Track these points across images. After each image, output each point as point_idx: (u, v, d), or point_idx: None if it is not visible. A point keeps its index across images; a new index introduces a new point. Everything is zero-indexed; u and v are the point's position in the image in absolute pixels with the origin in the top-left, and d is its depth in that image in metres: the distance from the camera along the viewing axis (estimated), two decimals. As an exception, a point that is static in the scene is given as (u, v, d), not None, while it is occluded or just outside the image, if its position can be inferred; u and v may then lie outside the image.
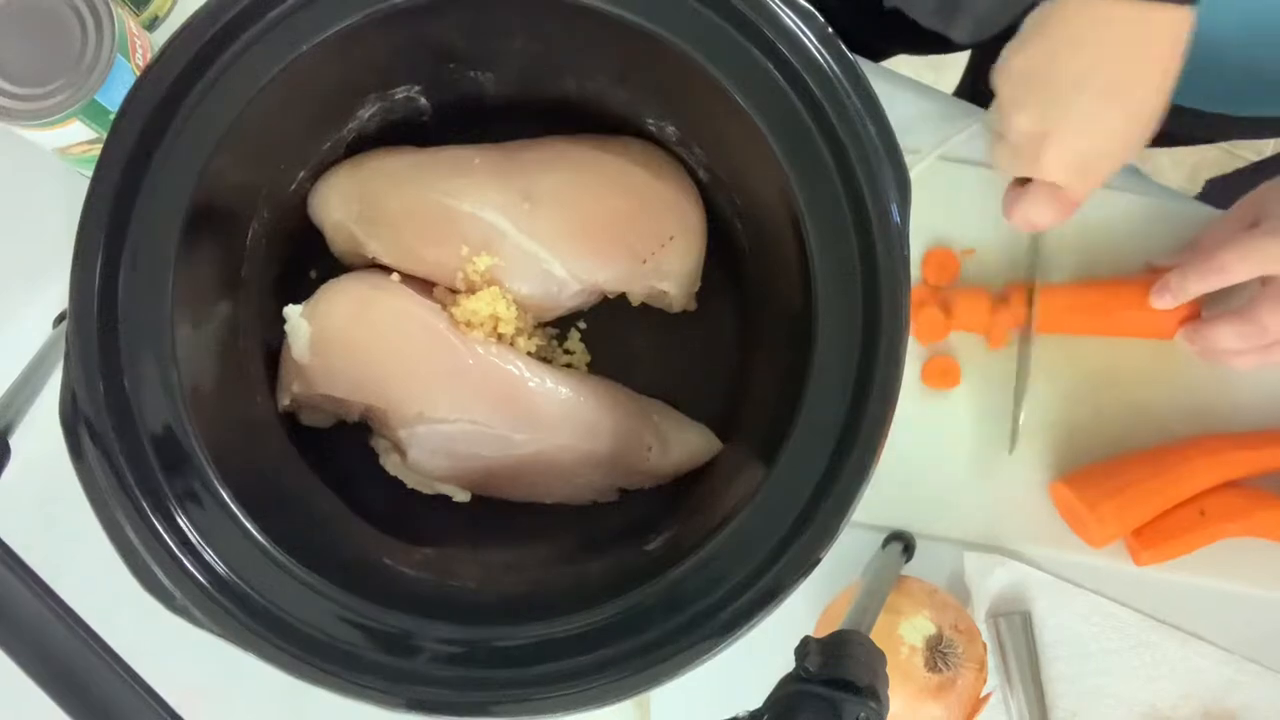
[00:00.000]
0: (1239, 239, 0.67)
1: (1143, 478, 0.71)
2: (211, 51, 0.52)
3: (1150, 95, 0.61)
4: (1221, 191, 1.05)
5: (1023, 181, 0.66)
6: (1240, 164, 1.17)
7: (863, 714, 0.44)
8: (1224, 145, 1.53)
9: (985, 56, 1.08)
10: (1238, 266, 0.67)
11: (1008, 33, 0.70)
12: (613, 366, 0.68)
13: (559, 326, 0.68)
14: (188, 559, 0.50)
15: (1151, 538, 0.71)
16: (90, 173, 0.51)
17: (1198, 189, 1.06)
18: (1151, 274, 0.72)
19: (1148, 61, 0.60)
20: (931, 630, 0.65)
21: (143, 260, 0.51)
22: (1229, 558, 0.72)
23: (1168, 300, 0.71)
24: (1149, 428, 0.74)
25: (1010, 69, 0.62)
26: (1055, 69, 0.60)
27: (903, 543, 0.72)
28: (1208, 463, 0.72)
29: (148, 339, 0.51)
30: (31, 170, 0.73)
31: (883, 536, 0.73)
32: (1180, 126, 0.75)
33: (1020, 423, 0.74)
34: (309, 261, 0.67)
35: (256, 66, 0.53)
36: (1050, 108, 0.61)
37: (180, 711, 0.40)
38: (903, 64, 0.88)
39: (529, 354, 0.65)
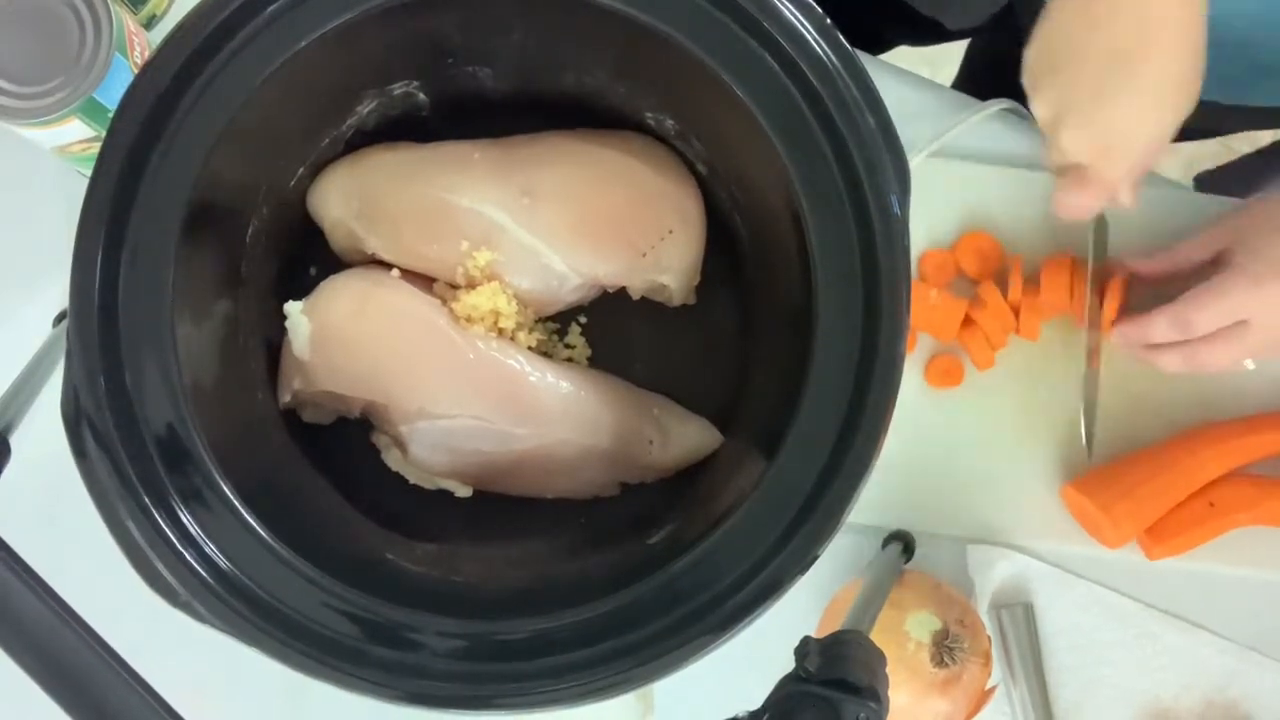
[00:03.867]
0: (1205, 292, 0.66)
1: (1152, 475, 0.71)
2: (209, 49, 0.52)
3: (1166, 63, 0.57)
4: (1217, 181, 1.03)
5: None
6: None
7: (862, 714, 0.44)
8: (1221, 140, 1.51)
9: (982, 48, 1.08)
10: (1204, 323, 0.66)
11: (1001, 21, 0.69)
12: (613, 360, 0.68)
13: (559, 321, 0.68)
14: (191, 555, 0.50)
15: (1162, 533, 0.71)
16: (89, 171, 0.51)
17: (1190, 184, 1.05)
18: (1121, 270, 0.72)
19: (1153, 24, 0.56)
20: (937, 625, 0.65)
21: (142, 258, 0.51)
22: (1235, 545, 0.72)
23: (1126, 347, 0.71)
24: (1154, 420, 0.74)
25: (1027, 60, 0.61)
26: (1060, 48, 0.59)
27: (902, 543, 0.72)
28: (1215, 452, 0.72)
29: (148, 337, 0.51)
30: (31, 169, 0.73)
31: (883, 535, 0.73)
32: None
33: (1094, 423, 0.73)
34: (309, 258, 0.67)
35: (254, 63, 0.53)
36: (1058, 89, 0.59)
37: (181, 710, 0.40)
38: (900, 57, 0.87)
39: (529, 349, 0.65)
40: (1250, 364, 0.69)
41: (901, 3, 0.85)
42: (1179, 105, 0.59)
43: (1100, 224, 0.73)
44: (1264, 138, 1.40)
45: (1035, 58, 0.60)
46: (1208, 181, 1.11)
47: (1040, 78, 0.60)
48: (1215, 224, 0.70)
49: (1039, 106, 0.61)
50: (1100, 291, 0.72)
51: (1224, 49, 0.69)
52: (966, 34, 0.99)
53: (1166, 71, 0.57)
